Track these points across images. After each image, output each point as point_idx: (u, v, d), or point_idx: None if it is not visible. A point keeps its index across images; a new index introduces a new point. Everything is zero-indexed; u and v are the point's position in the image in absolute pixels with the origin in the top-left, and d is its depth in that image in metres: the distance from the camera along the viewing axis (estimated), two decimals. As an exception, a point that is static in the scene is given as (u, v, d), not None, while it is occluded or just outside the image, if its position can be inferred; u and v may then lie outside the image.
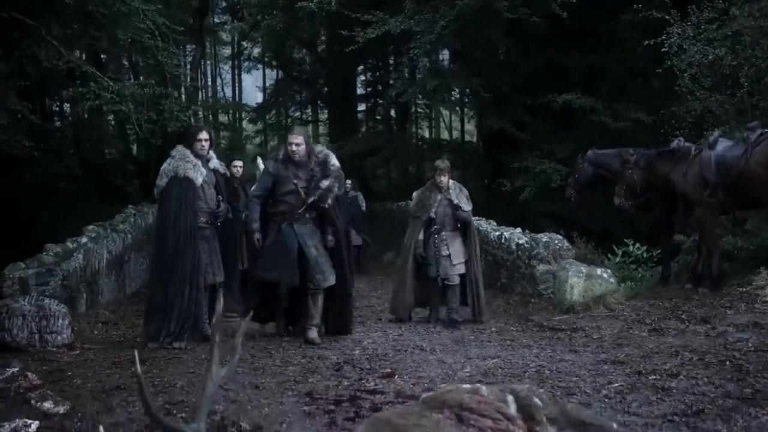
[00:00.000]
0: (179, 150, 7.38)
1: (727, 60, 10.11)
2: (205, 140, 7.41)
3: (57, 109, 21.49)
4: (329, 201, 7.28)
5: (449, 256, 8.56)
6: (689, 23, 10.60)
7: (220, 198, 7.47)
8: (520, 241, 10.03)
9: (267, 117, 28.13)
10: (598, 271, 8.75)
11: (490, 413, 2.94)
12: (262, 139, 29.58)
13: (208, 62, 31.52)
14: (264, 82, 30.14)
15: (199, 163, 7.29)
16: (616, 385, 5.04)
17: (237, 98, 32.64)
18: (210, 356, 2.88)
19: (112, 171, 22.88)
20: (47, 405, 4.51)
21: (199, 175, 7.22)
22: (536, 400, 3.18)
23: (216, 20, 28.28)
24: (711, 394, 4.63)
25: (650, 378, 5.17)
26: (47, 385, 5.02)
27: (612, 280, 8.71)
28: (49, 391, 4.78)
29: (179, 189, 7.13)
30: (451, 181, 8.85)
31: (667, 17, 10.67)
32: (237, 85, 33.88)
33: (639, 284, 9.59)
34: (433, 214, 8.62)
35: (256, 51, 28.80)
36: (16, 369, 5.42)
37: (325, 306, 7.41)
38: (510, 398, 3.12)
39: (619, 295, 8.59)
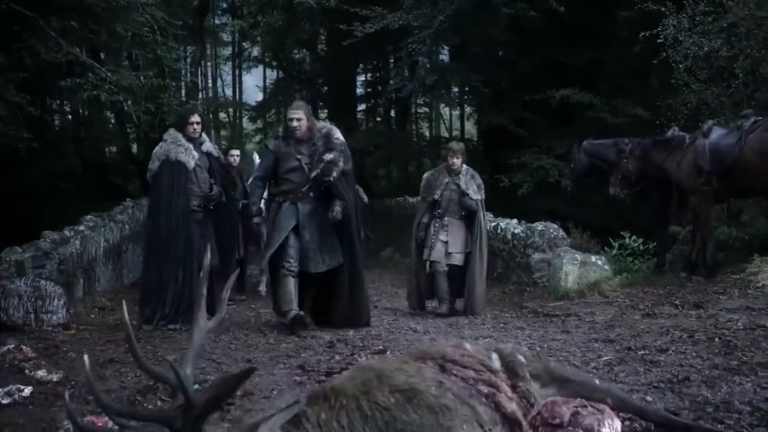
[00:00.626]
0: (171, 133, 7.34)
1: (722, 51, 10.15)
2: (197, 123, 7.33)
3: (57, 107, 21.53)
4: (334, 174, 6.75)
5: (446, 242, 8.20)
6: (685, 15, 10.65)
7: (213, 181, 7.39)
8: (516, 231, 10.07)
9: (267, 116, 28.19)
10: (593, 258, 8.80)
11: (472, 365, 2.99)
12: (262, 137, 29.64)
13: (209, 63, 31.58)
14: (264, 82, 30.25)
15: (191, 146, 7.22)
16: (605, 358, 5.09)
17: (237, 98, 32.73)
18: (197, 308, 2.91)
19: (113, 170, 22.91)
20: (41, 373, 4.57)
21: (191, 158, 7.14)
22: (520, 357, 3.24)
23: (217, 21, 28.34)
24: (698, 366, 4.67)
25: (639, 353, 5.22)
26: (42, 357, 5.08)
27: (606, 267, 8.76)
28: (43, 362, 4.84)
29: (171, 173, 7.08)
30: (465, 166, 8.46)
31: (662, 9, 10.71)
32: (237, 85, 34.02)
33: (635, 275, 9.61)
34: (437, 197, 8.26)
35: (256, 51, 28.89)
36: (12, 345, 5.45)
37: (333, 295, 7.01)
38: (494, 355, 3.18)
39: (613, 282, 8.63)
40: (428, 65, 16.05)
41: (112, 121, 22.95)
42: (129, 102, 11.49)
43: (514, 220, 10.73)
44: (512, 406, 2.83)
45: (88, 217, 10.31)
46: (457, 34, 15.48)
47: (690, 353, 5.08)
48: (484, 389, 2.84)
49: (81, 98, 15.17)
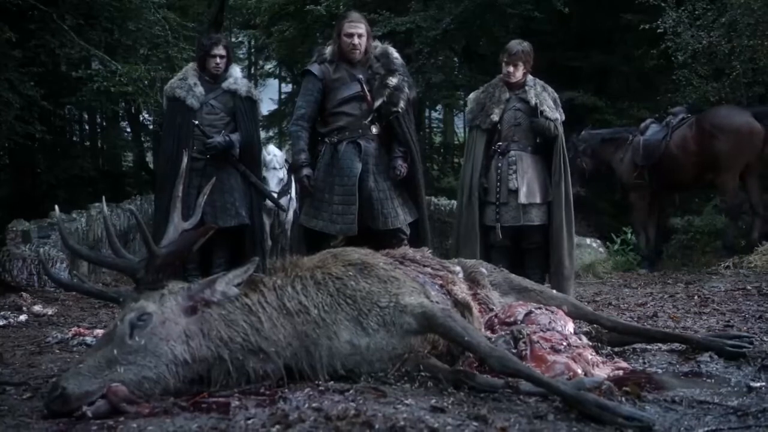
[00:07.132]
0: (187, 67, 6.37)
1: (721, 46, 10.24)
2: (221, 57, 6.09)
3: (75, 117, 21.89)
4: (401, 104, 5.18)
5: (517, 191, 5.60)
6: (684, 10, 10.77)
7: (224, 126, 6.10)
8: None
9: (282, 124, 28.56)
10: (588, 240, 8.94)
11: (431, 265, 3.17)
12: (275, 144, 30.01)
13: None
14: (279, 95, 30.67)
15: (198, 83, 6.06)
16: (584, 309, 5.21)
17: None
18: (172, 208, 3.09)
19: (128, 179, 23.22)
20: (37, 308, 4.79)
21: (190, 96, 6.00)
22: (482, 268, 3.42)
23: (233, 40, 28.80)
24: (669, 311, 4.82)
25: (619, 306, 5.36)
26: (41, 303, 5.29)
27: (601, 249, 8.87)
28: (40, 301, 5.06)
29: (170, 112, 6.14)
30: (530, 77, 5.78)
31: (662, 4, 10.84)
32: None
33: (632, 264, 9.69)
34: (496, 118, 5.69)
35: (270, 66, 29.38)
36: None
37: None
38: (457, 266, 3.36)
39: (608, 265, 8.74)
40: (434, 62, 16.17)
41: (128, 130, 23.33)
42: (141, 92, 11.64)
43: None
44: (463, 294, 3.00)
45: (96, 204, 10.52)
46: (464, 36, 15.67)
47: (667, 306, 5.22)
48: (439, 281, 3.02)
49: (97, 105, 15.45)
